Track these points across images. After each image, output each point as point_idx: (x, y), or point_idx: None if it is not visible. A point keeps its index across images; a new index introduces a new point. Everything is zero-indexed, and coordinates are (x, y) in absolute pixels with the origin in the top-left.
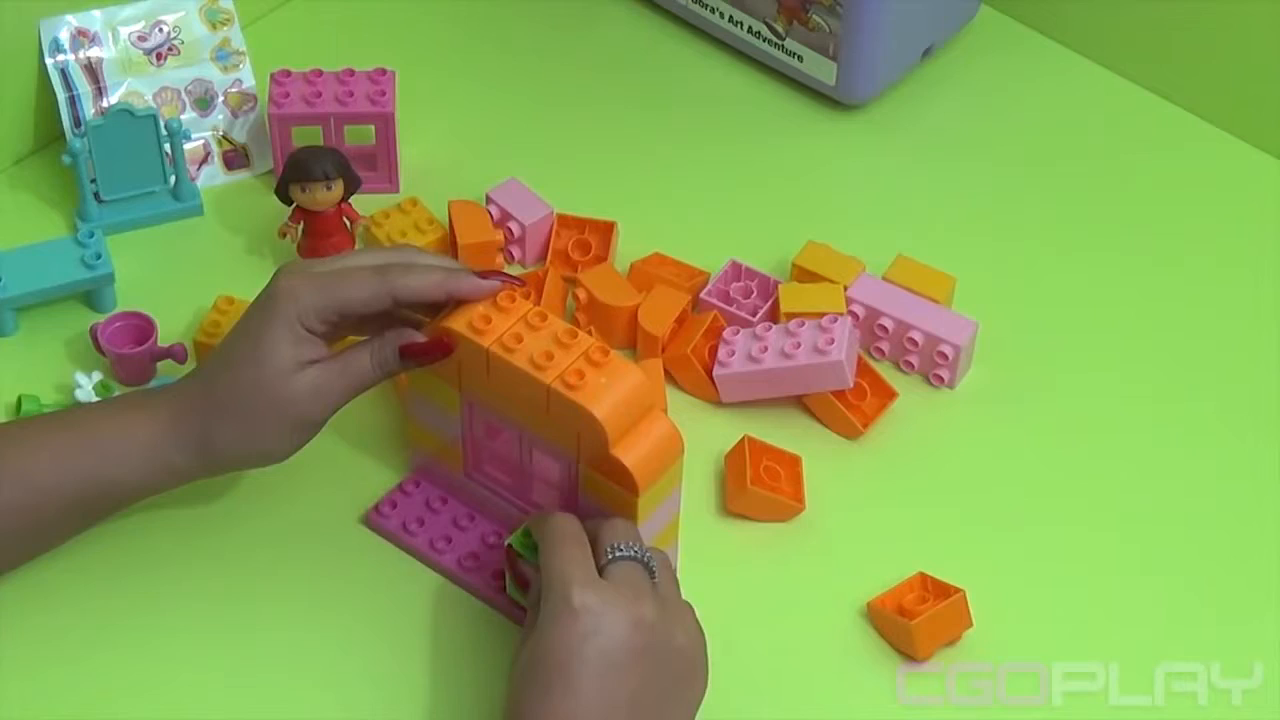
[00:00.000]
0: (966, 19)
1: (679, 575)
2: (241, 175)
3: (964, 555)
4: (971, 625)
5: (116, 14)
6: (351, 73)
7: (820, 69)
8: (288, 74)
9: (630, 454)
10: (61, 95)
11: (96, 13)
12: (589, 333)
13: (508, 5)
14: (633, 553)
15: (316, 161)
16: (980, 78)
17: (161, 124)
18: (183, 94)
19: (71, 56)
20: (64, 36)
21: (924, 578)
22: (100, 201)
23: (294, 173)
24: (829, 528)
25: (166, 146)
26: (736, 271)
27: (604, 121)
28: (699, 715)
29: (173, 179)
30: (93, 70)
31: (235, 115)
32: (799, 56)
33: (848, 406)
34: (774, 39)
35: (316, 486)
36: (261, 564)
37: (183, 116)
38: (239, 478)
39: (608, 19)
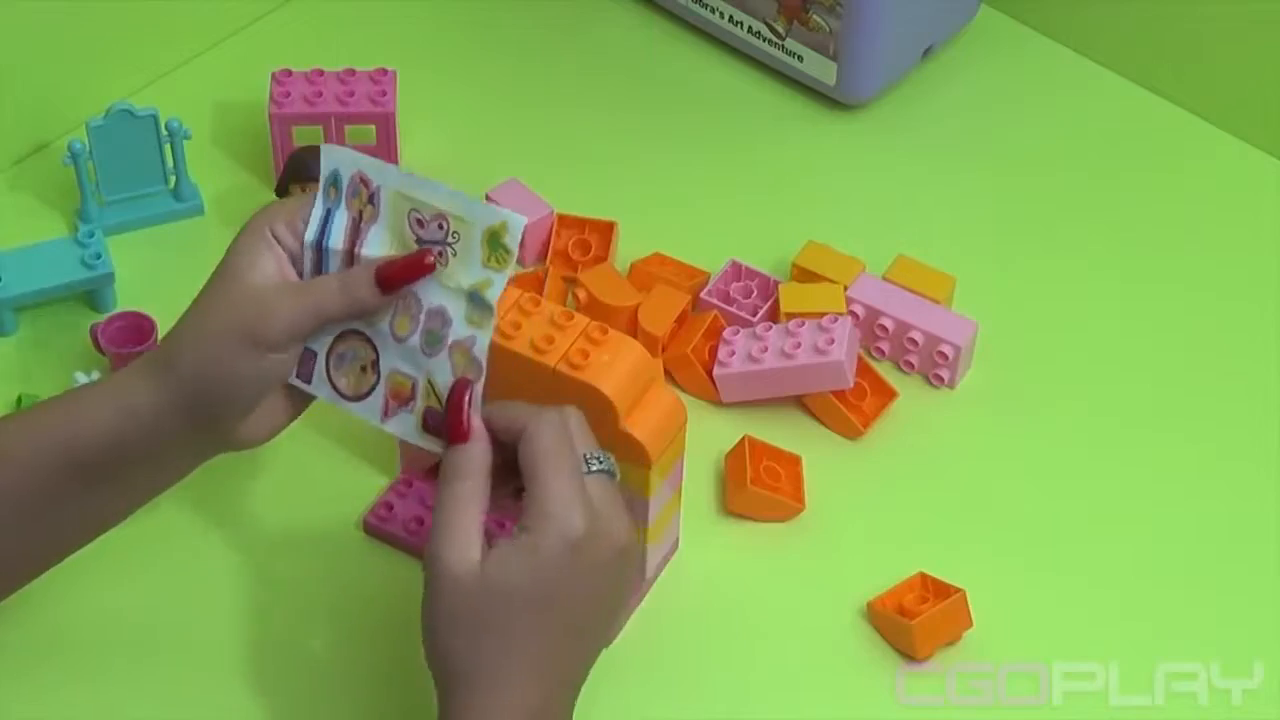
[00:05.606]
0: (966, 19)
1: (679, 572)
2: (435, 445)
3: (964, 555)
4: (971, 625)
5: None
6: (352, 72)
7: (820, 69)
8: (289, 74)
9: (641, 427)
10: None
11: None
12: None
13: (508, 6)
14: (605, 466)
15: (316, 161)
16: (980, 78)
17: (161, 124)
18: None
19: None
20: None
21: (924, 578)
22: (101, 202)
23: (294, 172)
24: (829, 528)
25: (167, 146)
26: (736, 271)
27: (604, 121)
28: None
29: (173, 179)
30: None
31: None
32: (799, 56)
33: (848, 406)
34: (774, 39)
35: (307, 497)
36: (259, 582)
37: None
38: (228, 494)
39: (608, 19)
